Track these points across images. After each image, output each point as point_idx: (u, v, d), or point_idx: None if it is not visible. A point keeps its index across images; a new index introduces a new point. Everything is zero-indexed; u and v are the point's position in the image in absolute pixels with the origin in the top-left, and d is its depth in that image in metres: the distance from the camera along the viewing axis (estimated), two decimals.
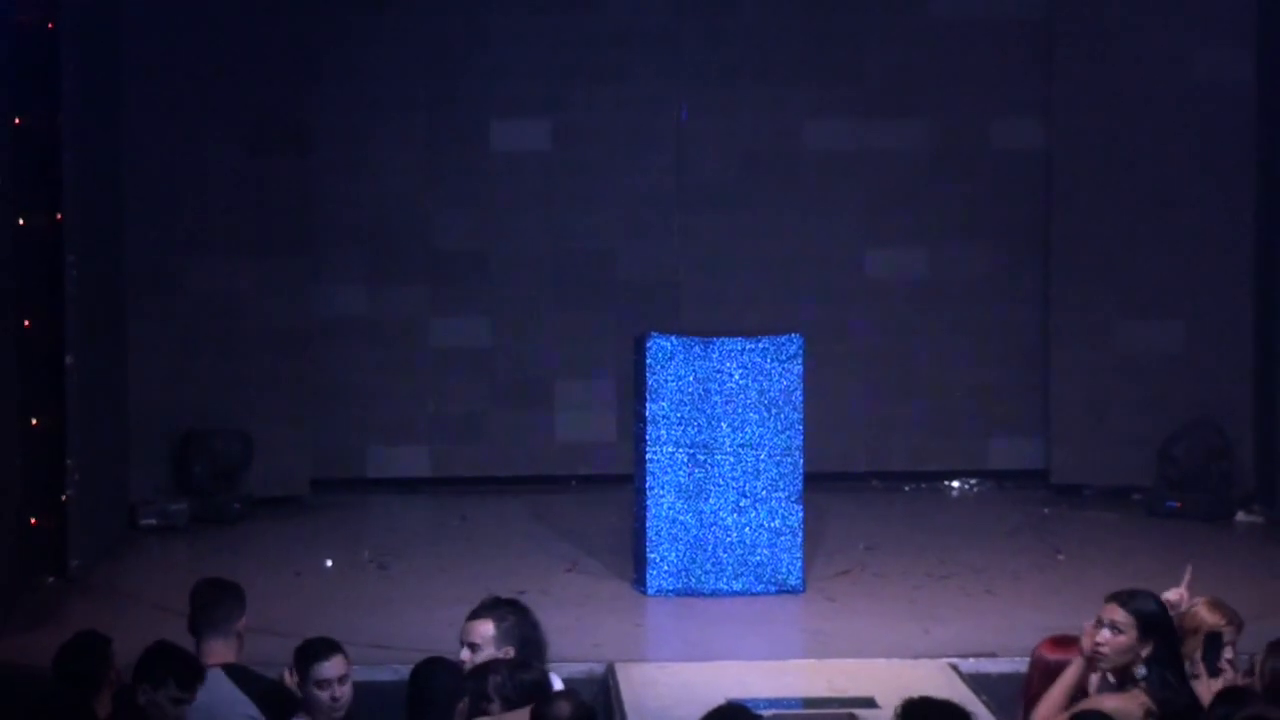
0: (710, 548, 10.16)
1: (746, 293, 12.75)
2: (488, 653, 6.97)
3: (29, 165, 10.20)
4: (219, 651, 7.10)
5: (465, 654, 7.04)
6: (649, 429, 10.14)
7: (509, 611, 7.15)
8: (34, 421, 10.24)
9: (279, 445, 12.21)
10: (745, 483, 10.15)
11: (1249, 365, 12.31)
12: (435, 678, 6.53)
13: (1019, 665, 7.88)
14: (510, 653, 6.98)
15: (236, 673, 7.05)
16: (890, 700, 8.22)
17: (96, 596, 10.15)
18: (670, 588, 10.15)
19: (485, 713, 6.54)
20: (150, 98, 11.90)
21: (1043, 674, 6.80)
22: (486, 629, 7.08)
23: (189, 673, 6.66)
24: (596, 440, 12.74)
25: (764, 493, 10.16)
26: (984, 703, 8.12)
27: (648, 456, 10.15)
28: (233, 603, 7.24)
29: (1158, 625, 6.56)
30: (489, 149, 12.80)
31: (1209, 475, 12.05)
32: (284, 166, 12.21)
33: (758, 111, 12.79)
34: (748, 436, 10.15)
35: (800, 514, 10.18)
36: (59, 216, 10.43)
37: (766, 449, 10.15)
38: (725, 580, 10.16)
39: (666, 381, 10.14)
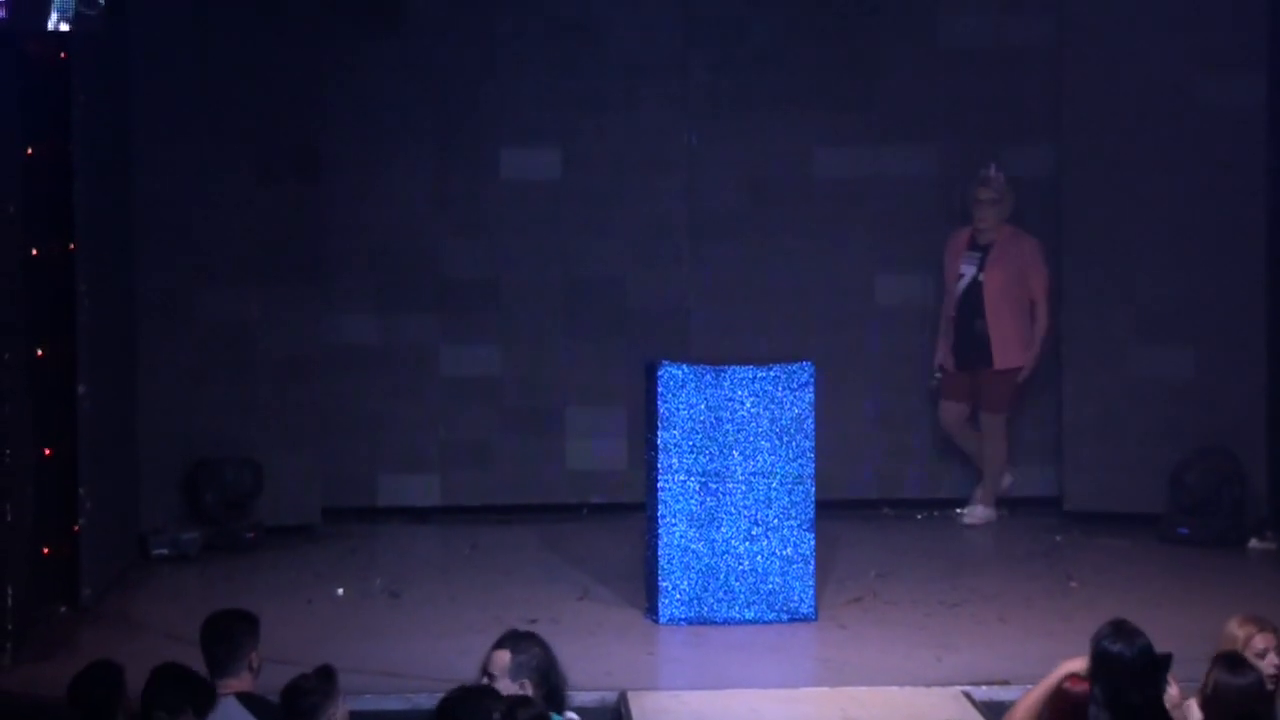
0: (722, 576, 10.15)
1: (757, 320, 12.75)
2: (502, 684, 6.93)
3: (41, 195, 10.21)
4: (234, 682, 7.08)
5: (484, 684, 6.99)
6: (660, 457, 10.13)
7: (530, 644, 7.09)
8: (46, 451, 10.25)
9: (290, 474, 12.21)
10: (757, 511, 10.15)
11: (1262, 391, 12.29)
12: (465, 707, 6.45)
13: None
14: (526, 686, 6.93)
15: (251, 701, 7.04)
16: None
17: (108, 626, 10.14)
18: (682, 616, 10.14)
19: None
20: (160, 127, 11.92)
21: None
22: (503, 659, 7.02)
23: (204, 698, 6.67)
24: (607, 468, 12.74)
25: (776, 521, 10.15)
26: None
27: (659, 484, 10.14)
28: (246, 635, 7.22)
29: (1098, 665, 6.56)
30: (499, 177, 12.82)
31: (1221, 501, 12.04)
32: (294, 195, 12.23)
33: (768, 139, 12.80)
34: (759, 464, 10.14)
35: (812, 542, 10.17)
36: (70, 246, 10.44)
37: (778, 477, 10.14)
38: (737, 608, 10.15)
39: (678, 409, 10.14)
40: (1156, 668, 6.61)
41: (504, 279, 12.83)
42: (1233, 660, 6.66)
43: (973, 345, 12.35)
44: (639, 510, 10.61)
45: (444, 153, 12.77)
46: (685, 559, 10.13)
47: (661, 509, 10.13)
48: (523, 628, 7.45)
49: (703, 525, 10.13)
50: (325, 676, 6.74)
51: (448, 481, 12.81)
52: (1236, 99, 12.26)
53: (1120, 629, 6.61)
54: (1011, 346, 12.32)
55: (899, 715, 8.61)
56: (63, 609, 10.35)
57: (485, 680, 6.96)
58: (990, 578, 11.17)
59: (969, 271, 12.26)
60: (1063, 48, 12.57)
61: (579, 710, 7.31)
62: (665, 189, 12.82)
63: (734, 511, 10.14)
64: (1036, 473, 12.78)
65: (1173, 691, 6.74)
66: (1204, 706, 6.61)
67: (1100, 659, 6.55)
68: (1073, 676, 6.82)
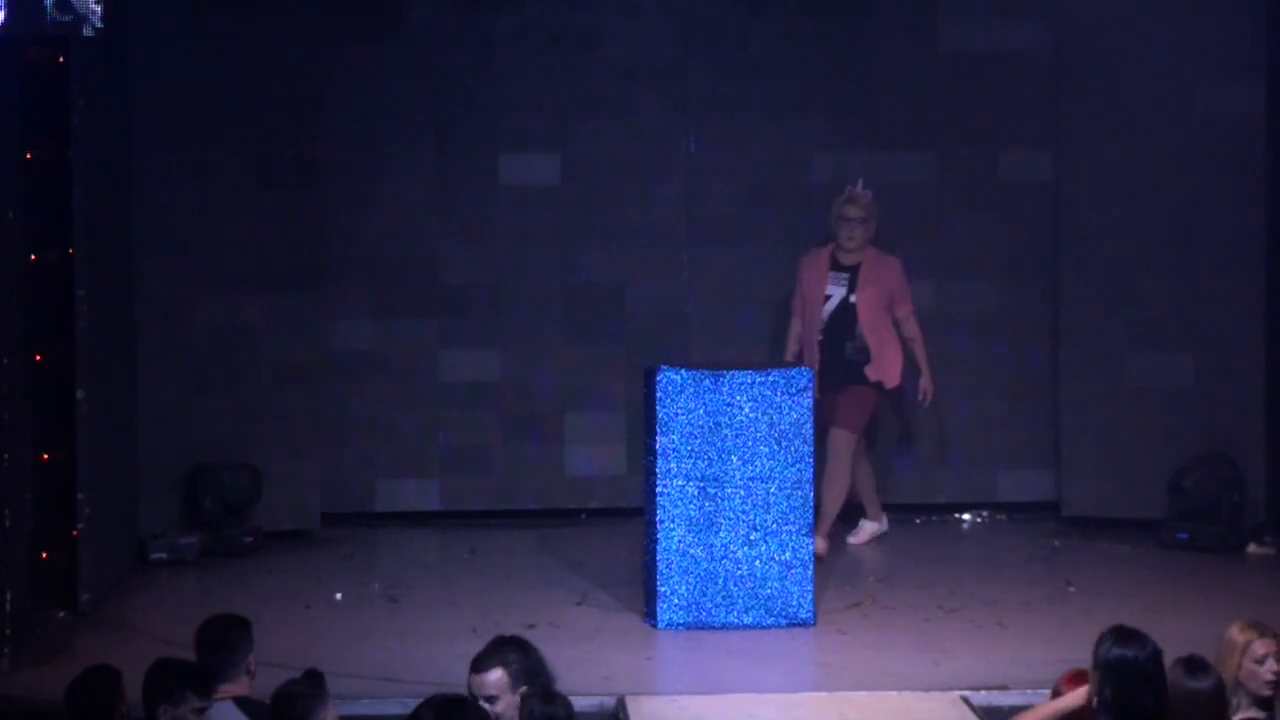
0: (721, 581, 10.15)
1: (756, 325, 12.75)
2: (506, 700, 6.82)
3: (40, 200, 10.21)
4: (231, 687, 7.08)
5: (484, 707, 6.91)
6: (659, 462, 10.13)
7: (510, 651, 6.95)
8: (45, 456, 10.25)
9: (288, 479, 12.22)
10: (755, 516, 10.15)
11: (1260, 396, 12.30)
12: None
13: (1031, 698, 7.88)
14: (524, 691, 6.90)
15: (249, 705, 7.03)
16: None
17: (107, 630, 10.14)
18: (681, 621, 10.14)
19: None
20: (160, 132, 11.93)
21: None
22: (498, 678, 6.85)
23: (200, 679, 6.70)
24: (606, 473, 12.75)
25: (774, 526, 10.15)
26: None
27: (658, 489, 10.14)
28: (241, 641, 7.20)
29: (1111, 672, 6.55)
30: (497, 183, 12.83)
31: (1220, 507, 12.04)
32: (293, 201, 12.23)
33: (766, 144, 12.81)
34: (758, 469, 10.14)
35: (810, 547, 10.17)
36: (70, 251, 10.44)
37: (777, 482, 10.14)
38: (736, 613, 10.15)
39: (676, 414, 10.14)
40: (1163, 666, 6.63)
41: (502, 284, 12.84)
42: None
43: (844, 367, 11.71)
44: (637, 515, 10.61)
45: (442, 158, 12.78)
46: (684, 564, 10.13)
47: (660, 514, 10.13)
48: (508, 634, 7.38)
49: (701, 530, 10.13)
50: (313, 680, 6.74)
51: (446, 486, 12.82)
52: (1235, 104, 12.27)
53: (1125, 634, 6.60)
54: (888, 365, 11.75)
55: None
56: (61, 614, 10.35)
57: (487, 704, 6.85)
58: (989, 583, 11.17)
59: (837, 293, 11.73)
60: (1061, 53, 12.57)
61: (577, 714, 7.29)
62: (664, 194, 12.83)
63: (732, 516, 10.14)
64: (1035, 478, 12.79)
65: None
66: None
67: (1114, 665, 6.51)
68: (1069, 678, 6.80)
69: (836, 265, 11.81)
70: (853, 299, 11.74)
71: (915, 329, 11.91)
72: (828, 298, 11.78)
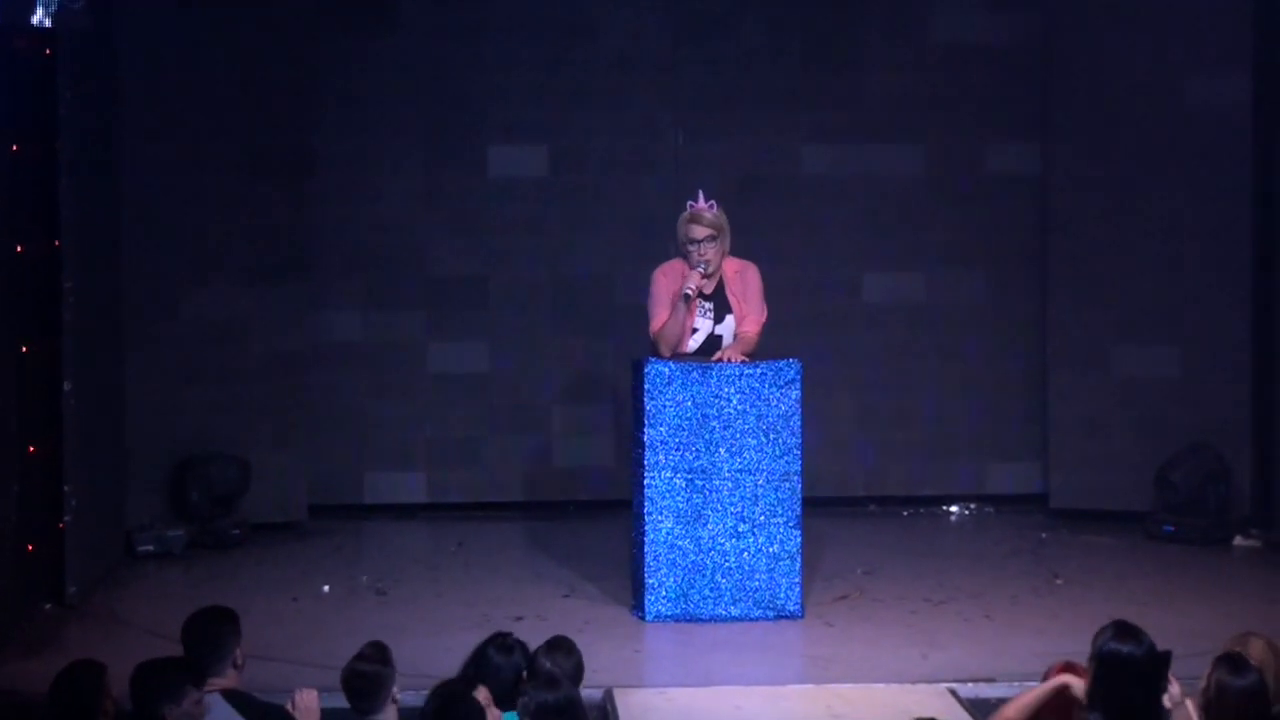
0: (708, 573, 10.15)
1: None
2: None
3: (27, 192, 10.20)
4: (220, 680, 7.07)
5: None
6: (647, 454, 10.13)
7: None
8: (31, 448, 10.23)
9: (276, 471, 12.22)
10: (743, 508, 10.15)
11: (1247, 390, 12.32)
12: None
13: (1018, 690, 7.85)
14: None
15: (236, 698, 7.03)
16: None
17: (94, 623, 10.13)
18: (668, 613, 10.14)
19: None
20: (148, 124, 11.91)
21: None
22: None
23: (193, 672, 6.72)
24: (594, 465, 12.75)
25: (762, 518, 10.16)
26: None
27: (646, 482, 10.14)
28: (229, 634, 7.19)
29: (1105, 665, 6.54)
30: (487, 174, 12.83)
31: (1207, 499, 12.07)
32: (282, 192, 12.23)
33: (755, 136, 12.82)
34: (746, 462, 10.14)
35: (798, 539, 10.18)
36: (57, 243, 10.43)
37: (764, 474, 10.14)
38: (723, 606, 10.15)
39: (664, 407, 10.14)
40: (1159, 666, 6.61)
41: (492, 276, 12.84)
42: (1234, 661, 6.64)
43: None
44: (625, 507, 10.61)
45: (431, 150, 12.78)
46: (671, 556, 10.13)
47: (648, 506, 10.13)
48: (505, 627, 7.43)
49: (689, 522, 10.13)
50: (382, 652, 6.82)
51: (435, 478, 12.82)
52: (1223, 97, 12.28)
53: (1125, 629, 6.59)
54: None
55: (885, 712, 8.61)
56: (48, 606, 10.34)
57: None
58: (976, 575, 11.18)
59: (704, 325, 10.31)
60: (1049, 45, 12.59)
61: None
62: (653, 186, 12.83)
63: (720, 509, 10.14)
64: (1023, 470, 12.81)
65: (1174, 690, 6.73)
66: (1205, 708, 6.59)
67: (1109, 660, 6.51)
68: (1059, 670, 6.81)
69: (698, 292, 10.29)
70: (719, 331, 10.35)
71: (750, 343, 10.30)
72: (695, 330, 10.32)
